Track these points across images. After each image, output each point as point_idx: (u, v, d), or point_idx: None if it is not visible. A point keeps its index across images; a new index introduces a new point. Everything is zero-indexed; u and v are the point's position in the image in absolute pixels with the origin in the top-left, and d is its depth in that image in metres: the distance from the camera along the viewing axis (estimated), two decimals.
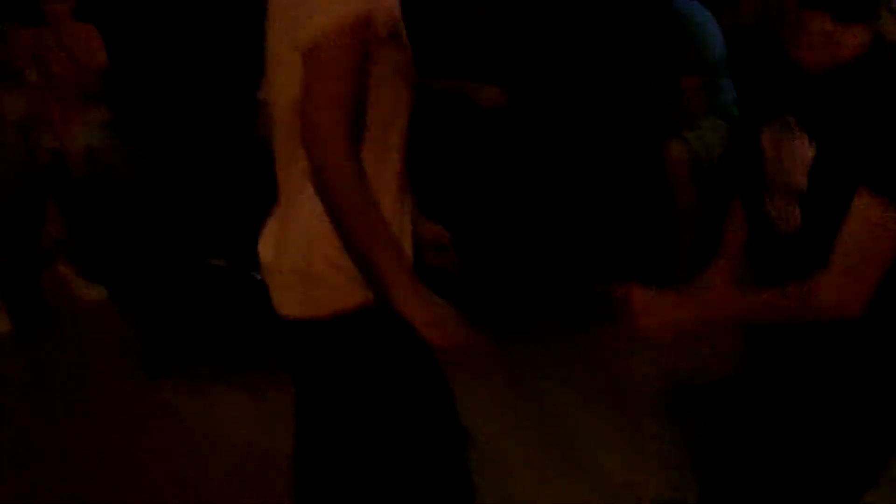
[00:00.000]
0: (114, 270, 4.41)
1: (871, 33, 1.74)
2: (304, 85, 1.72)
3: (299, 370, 2.01)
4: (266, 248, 1.93)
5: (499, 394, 3.49)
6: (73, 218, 4.41)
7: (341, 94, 1.69)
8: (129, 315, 4.03)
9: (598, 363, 3.72)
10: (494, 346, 2.39)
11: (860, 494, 1.89)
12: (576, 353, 3.79)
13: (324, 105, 1.69)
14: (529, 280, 4.17)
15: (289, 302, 1.88)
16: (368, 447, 1.91)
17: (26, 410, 3.49)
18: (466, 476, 2.00)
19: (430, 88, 3.23)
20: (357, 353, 1.84)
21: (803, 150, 1.77)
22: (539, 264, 4.17)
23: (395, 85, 1.81)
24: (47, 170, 4.31)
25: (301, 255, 1.82)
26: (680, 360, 3.62)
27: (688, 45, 4.23)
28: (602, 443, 3.20)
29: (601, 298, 1.94)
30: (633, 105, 4.25)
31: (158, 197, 3.97)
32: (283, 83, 1.81)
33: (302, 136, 1.72)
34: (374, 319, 1.79)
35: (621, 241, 4.23)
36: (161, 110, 4.39)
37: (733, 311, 1.85)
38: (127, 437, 3.32)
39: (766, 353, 1.95)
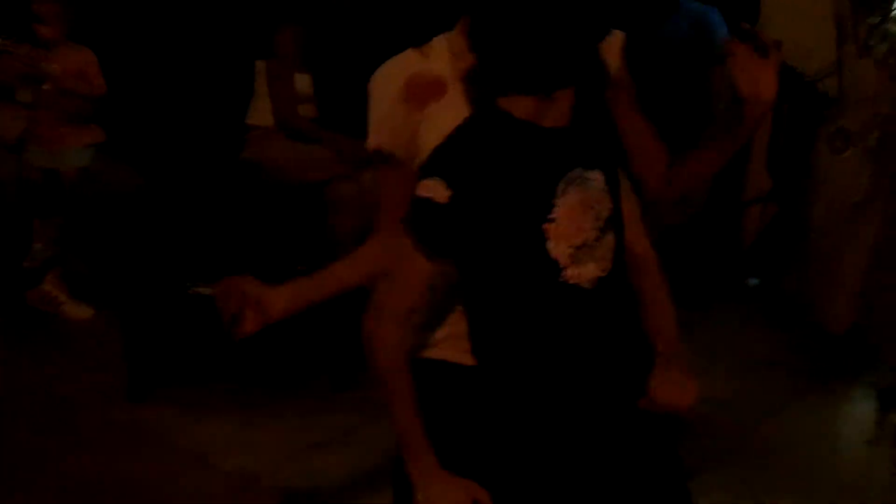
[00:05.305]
0: (101, 290, 4.41)
1: None
2: None
3: None
4: None
5: None
6: (62, 236, 4.42)
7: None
8: (116, 335, 4.02)
9: None
10: None
11: None
12: None
13: None
14: None
15: None
16: None
17: (6, 428, 3.47)
18: None
19: None
20: None
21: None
22: None
23: None
24: (38, 188, 4.33)
25: None
26: None
27: None
28: None
29: None
30: None
31: (148, 219, 3.97)
32: None
33: None
34: None
35: None
36: (154, 132, 4.40)
37: None
38: (110, 459, 3.30)
39: None
